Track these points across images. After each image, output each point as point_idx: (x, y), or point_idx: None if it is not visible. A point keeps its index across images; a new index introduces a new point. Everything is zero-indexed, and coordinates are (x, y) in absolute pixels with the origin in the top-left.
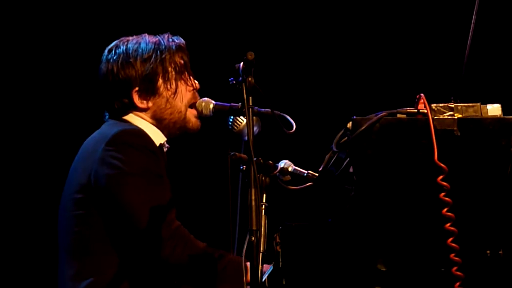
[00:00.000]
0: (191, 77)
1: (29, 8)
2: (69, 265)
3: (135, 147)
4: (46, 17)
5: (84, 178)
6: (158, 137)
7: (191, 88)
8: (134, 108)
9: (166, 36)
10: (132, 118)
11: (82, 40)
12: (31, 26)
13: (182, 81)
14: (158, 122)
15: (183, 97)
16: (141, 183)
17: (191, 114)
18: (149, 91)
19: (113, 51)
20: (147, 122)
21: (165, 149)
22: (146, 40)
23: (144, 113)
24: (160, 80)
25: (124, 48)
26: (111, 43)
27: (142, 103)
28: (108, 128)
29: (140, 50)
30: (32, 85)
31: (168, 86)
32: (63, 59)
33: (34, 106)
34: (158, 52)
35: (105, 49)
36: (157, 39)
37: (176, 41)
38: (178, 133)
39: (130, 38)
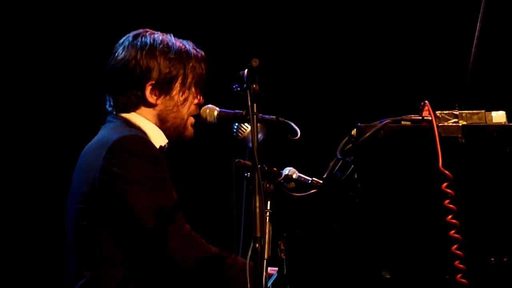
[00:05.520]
0: (201, 91)
1: (26, 7)
2: (79, 275)
3: (136, 153)
4: (44, 18)
5: (86, 187)
6: (160, 139)
7: (196, 101)
8: (142, 103)
9: (190, 43)
10: (135, 117)
11: (83, 44)
12: (28, 26)
13: (194, 92)
14: (161, 123)
15: (189, 107)
16: (146, 189)
17: (190, 122)
18: (163, 90)
19: (139, 39)
20: (150, 122)
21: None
22: (173, 41)
23: (150, 110)
24: (177, 84)
25: (150, 39)
26: (110, 46)
27: (152, 98)
28: (108, 133)
29: (167, 48)
30: (36, 87)
31: (182, 92)
32: (66, 60)
33: (39, 107)
34: (184, 56)
35: (114, 42)
36: (182, 43)
37: (200, 51)
38: (174, 138)
39: (155, 32)
